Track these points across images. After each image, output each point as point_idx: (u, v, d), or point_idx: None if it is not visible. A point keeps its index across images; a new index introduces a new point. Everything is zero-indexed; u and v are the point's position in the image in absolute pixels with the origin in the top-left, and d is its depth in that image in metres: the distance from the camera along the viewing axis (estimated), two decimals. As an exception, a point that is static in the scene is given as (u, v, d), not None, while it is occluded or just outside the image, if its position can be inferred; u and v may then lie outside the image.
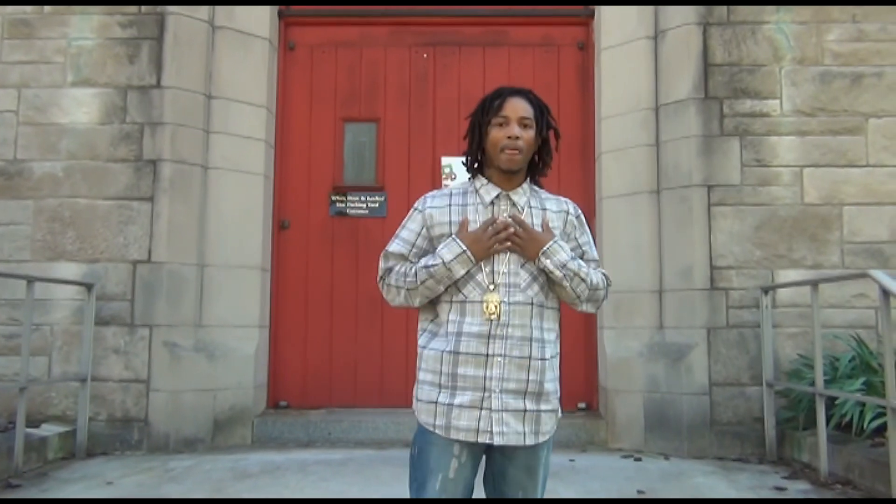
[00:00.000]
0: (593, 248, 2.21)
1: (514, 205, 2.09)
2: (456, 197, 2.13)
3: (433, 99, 5.65)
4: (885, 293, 3.44)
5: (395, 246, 2.14)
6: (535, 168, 2.16)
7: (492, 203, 2.09)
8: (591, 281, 2.09)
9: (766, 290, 4.70)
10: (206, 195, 5.12)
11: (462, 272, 2.01)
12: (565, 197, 2.23)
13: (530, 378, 1.99)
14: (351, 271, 5.49)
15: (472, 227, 2.06)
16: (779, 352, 4.73)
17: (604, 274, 2.17)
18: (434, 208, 2.12)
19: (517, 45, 5.69)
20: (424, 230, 2.11)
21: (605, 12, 5.37)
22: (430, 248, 2.10)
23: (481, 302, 2.01)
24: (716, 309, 4.80)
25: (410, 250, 2.12)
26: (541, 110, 2.12)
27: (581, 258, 2.14)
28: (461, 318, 2.03)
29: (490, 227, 2.01)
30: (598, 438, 4.98)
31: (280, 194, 5.56)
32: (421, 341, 2.12)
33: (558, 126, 2.19)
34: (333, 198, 5.59)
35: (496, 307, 1.99)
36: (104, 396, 4.74)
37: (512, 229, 2.01)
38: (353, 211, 5.57)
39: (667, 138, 5.05)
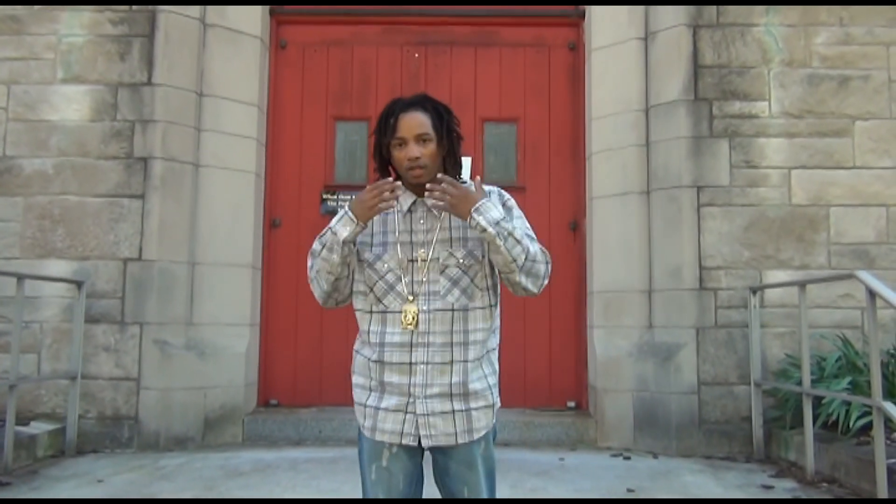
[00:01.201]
0: (525, 226, 2.11)
1: (429, 210, 2.07)
2: None
3: None
4: (872, 294, 3.48)
5: (316, 244, 2.11)
6: (449, 171, 2.10)
7: (409, 211, 2.08)
8: (528, 247, 2.00)
9: (754, 291, 4.75)
10: (198, 193, 5.11)
11: (345, 233, 1.97)
12: (492, 186, 2.16)
13: (453, 381, 2.01)
14: (342, 270, 5.49)
15: (392, 237, 2.06)
16: (766, 351, 4.78)
17: (542, 249, 2.07)
18: None
19: (508, 46, 5.71)
20: None
21: (595, 13, 5.40)
22: (350, 261, 2.08)
23: (400, 312, 2.02)
24: (704, 309, 4.84)
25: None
26: (440, 117, 2.05)
27: None
28: (383, 329, 2.05)
29: (372, 187, 1.97)
30: (588, 437, 5.01)
31: (271, 193, 5.56)
32: (356, 345, 2.16)
33: (460, 127, 2.12)
34: (325, 196, 5.59)
35: (413, 317, 2.01)
36: (94, 394, 4.73)
37: (390, 187, 1.96)
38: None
39: (657, 139, 5.09)
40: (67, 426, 4.59)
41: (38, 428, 4.50)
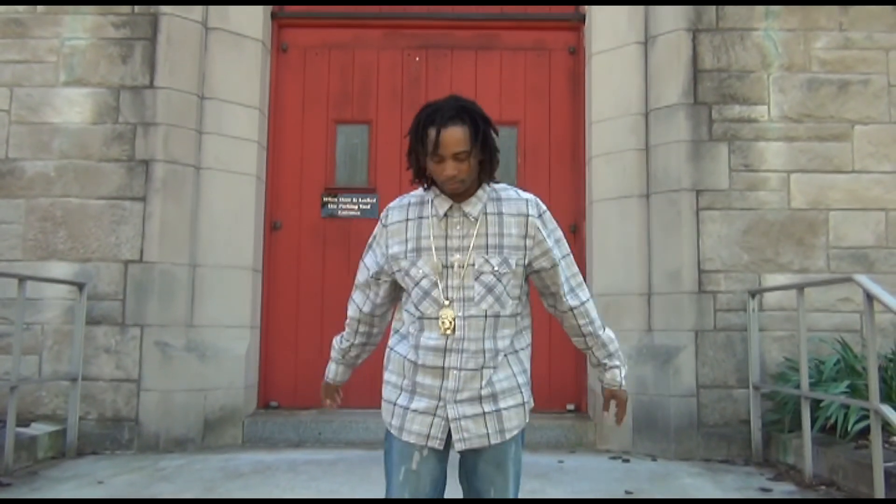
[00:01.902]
0: (563, 243, 2.13)
1: (465, 216, 2.05)
2: (413, 209, 2.11)
3: (425, 101, 5.60)
4: (870, 297, 3.49)
5: (360, 274, 2.24)
6: (484, 175, 2.08)
7: (445, 216, 2.07)
8: (610, 333, 2.24)
9: (753, 294, 4.76)
10: (199, 196, 5.13)
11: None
12: (528, 194, 2.14)
13: (483, 384, 2.03)
14: (342, 272, 5.50)
15: (426, 242, 2.05)
16: (765, 355, 4.79)
17: (581, 289, 2.17)
18: (393, 224, 2.12)
19: (509, 49, 5.74)
20: (386, 248, 2.12)
21: (596, 18, 5.42)
22: (385, 265, 2.12)
23: (437, 318, 2.03)
24: (703, 312, 4.85)
25: (376, 275, 2.17)
26: (476, 126, 1.99)
27: (555, 262, 2.09)
28: (419, 332, 2.06)
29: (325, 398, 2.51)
30: (587, 440, 5.02)
31: (272, 195, 5.58)
32: (390, 342, 2.18)
33: (496, 138, 2.07)
34: (325, 199, 5.61)
35: (451, 322, 2.01)
36: (95, 396, 4.74)
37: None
38: (344, 212, 5.59)
39: (656, 143, 5.10)
40: (68, 427, 4.60)
41: (38, 429, 4.51)
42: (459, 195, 2.06)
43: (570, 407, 5.42)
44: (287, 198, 5.62)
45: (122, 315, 4.83)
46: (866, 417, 3.88)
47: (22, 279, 4.25)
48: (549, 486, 3.89)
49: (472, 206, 2.06)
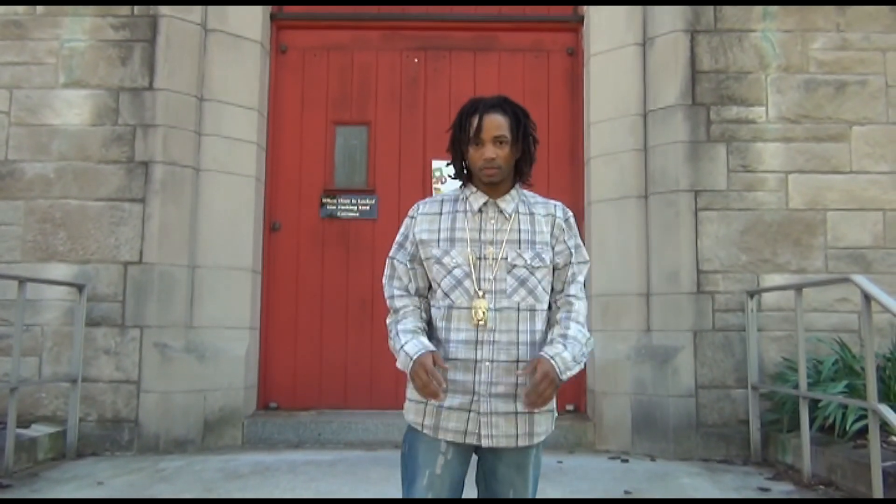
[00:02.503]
0: (581, 250, 2.20)
1: (500, 212, 2.12)
2: (447, 204, 2.18)
3: (424, 103, 5.70)
4: (867, 298, 3.50)
5: (398, 267, 2.17)
6: (520, 174, 2.18)
7: (479, 211, 2.13)
8: (586, 333, 2.09)
9: (751, 294, 4.77)
10: (198, 197, 5.14)
11: (399, 366, 2.05)
12: (555, 200, 2.25)
13: (520, 381, 2.02)
14: (341, 273, 5.52)
15: (460, 234, 2.09)
16: (763, 355, 4.80)
17: (582, 303, 2.14)
18: (424, 215, 2.17)
19: (507, 51, 5.75)
20: (413, 236, 2.16)
21: (594, 19, 5.44)
22: (417, 252, 2.14)
23: (469, 308, 2.04)
24: (702, 312, 4.86)
25: (410, 268, 2.16)
26: (517, 119, 2.11)
27: (569, 261, 2.15)
28: (448, 325, 2.06)
29: (427, 380, 1.95)
30: (586, 440, 5.03)
31: (271, 196, 5.59)
32: None
33: (536, 131, 2.19)
34: (324, 200, 5.62)
35: (484, 313, 2.03)
36: (94, 397, 4.75)
37: (429, 380, 1.95)
38: (343, 213, 5.60)
39: (655, 144, 5.12)
40: (68, 429, 4.61)
41: (38, 430, 4.52)
42: (494, 190, 2.13)
43: (570, 407, 5.43)
44: (286, 199, 5.63)
45: (122, 316, 4.84)
46: (864, 417, 3.89)
47: (22, 281, 4.26)
48: (549, 486, 3.90)
49: (507, 203, 2.14)
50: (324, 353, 5.49)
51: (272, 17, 5.66)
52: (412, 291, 2.16)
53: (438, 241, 2.11)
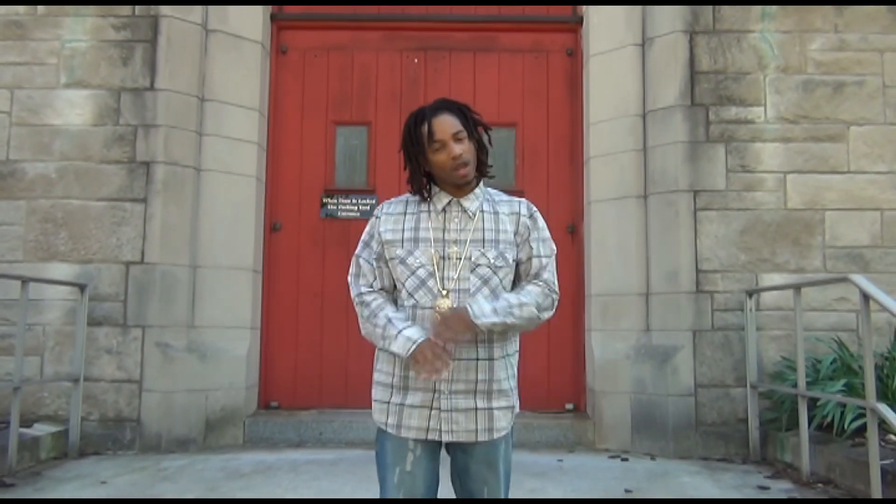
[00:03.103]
0: (546, 244, 2.19)
1: (464, 210, 2.13)
2: (412, 204, 2.18)
3: (424, 103, 5.58)
4: (865, 297, 3.53)
5: (363, 265, 2.17)
6: (480, 167, 2.17)
7: (443, 210, 2.14)
8: (531, 308, 2.07)
9: (750, 294, 4.79)
10: (199, 197, 5.15)
11: (395, 350, 2.02)
12: (521, 198, 2.25)
13: (479, 378, 2.06)
14: (342, 273, 5.46)
15: (424, 234, 2.10)
16: (762, 354, 4.83)
17: (547, 290, 2.14)
18: (389, 214, 2.18)
19: (507, 51, 5.77)
20: (378, 235, 2.16)
21: (593, 20, 5.46)
22: (382, 252, 2.14)
23: (432, 308, 2.06)
24: (701, 312, 4.89)
25: (375, 267, 2.16)
26: (464, 115, 2.12)
27: (530, 255, 2.16)
28: (412, 323, 2.07)
29: (432, 357, 1.97)
30: (586, 439, 5.06)
31: (272, 196, 5.61)
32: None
33: (483, 119, 2.19)
34: (325, 200, 5.64)
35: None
36: (96, 396, 4.76)
37: (437, 363, 1.97)
38: (344, 213, 5.62)
39: (654, 144, 5.14)
40: (70, 428, 4.62)
41: (41, 430, 4.53)
42: (459, 188, 2.13)
43: (569, 406, 5.45)
44: (287, 199, 5.64)
45: (124, 316, 4.85)
46: (863, 416, 3.93)
47: (24, 281, 4.28)
48: (549, 484, 3.93)
49: (471, 202, 2.15)
50: (324, 352, 5.50)
51: (272, 17, 5.68)
52: (377, 289, 2.16)
53: (402, 241, 2.13)
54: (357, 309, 2.16)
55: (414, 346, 2.00)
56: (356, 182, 5.68)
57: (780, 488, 3.94)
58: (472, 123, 2.13)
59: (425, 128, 2.09)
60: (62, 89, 5.05)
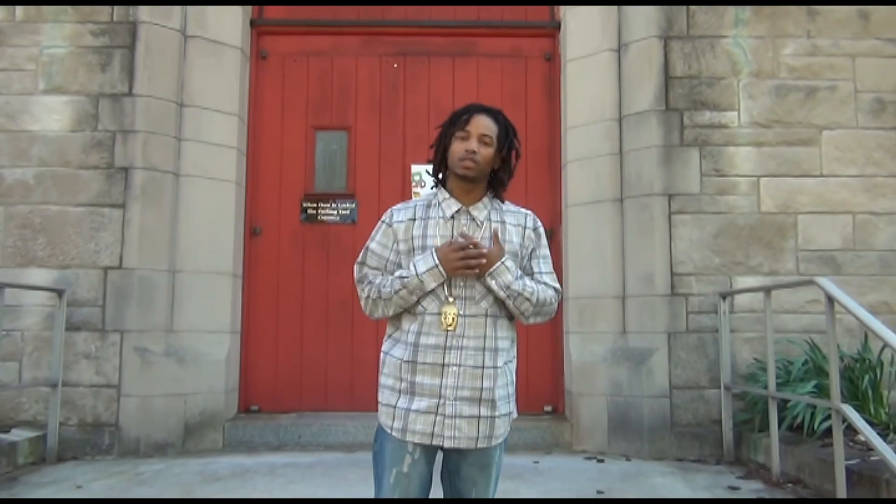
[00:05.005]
0: (548, 261, 2.29)
1: (472, 219, 2.19)
2: (420, 210, 2.24)
3: (403, 108, 5.76)
4: (830, 299, 3.58)
5: (371, 258, 2.23)
6: (496, 184, 2.26)
7: (452, 217, 2.19)
8: (538, 299, 2.17)
9: (724, 296, 4.85)
10: (178, 202, 5.17)
11: (433, 285, 2.10)
12: (527, 209, 2.33)
13: (484, 386, 2.10)
14: (322, 277, 5.57)
15: (432, 241, 2.16)
16: (736, 356, 4.89)
17: (555, 289, 2.25)
18: (399, 223, 2.23)
19: (486, 56, 5.81)
20: (394, 244, 2.22)
21: (570, 25, 5.51)
22: (398, 261, 2.20)
23: (439, 314, 2.11)
24: (676, 314, 4.94)
25: (385, 263, 2.22)
26: (506, 131, 2.22)
27: (533, 271, 2.25)
28: (419, 329, 2.13)
29: (459, 249, 2.08)
30: (563, 441, 5.10)
31: (252, 201, 5.63)
32: (385, 346, 2.23)
33: (520, 148, 2.30)
34: (305, 204, 5.67)
35: (453, 319, 2.10)
36: (75, 401, 4.78)
37: (476, 251, 2.08)
38: (324, 217, 5.65)
39: (629, 148, 5.19)
40: (48, 433, 4.63)
41: (18, 435, 4.54)
42: (467, 197, 2.20)
43: (548, 408, 5.50)
44: (266, 203, 5.67)
45: (102, 321, 4.86)
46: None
47: (1, 286, 4.28)
48: (523, 486, 3.97)
49: (479, 211, 2.22)
50: (304, 356, 5.53)
51: (252, 23, 5.70)
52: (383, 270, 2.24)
53: (412, 248, 2.18)
54: (360, 290, 2.23)
55: (437, 259, 2.09)
56: (336, 186, 5.71)
57: (751, 488, 4.00)
58: (507, 141, 2.23)
59: (466, 116, 2.19)
60: (40, 95, 5.06)
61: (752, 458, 4.56)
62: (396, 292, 2.12)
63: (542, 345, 5.54)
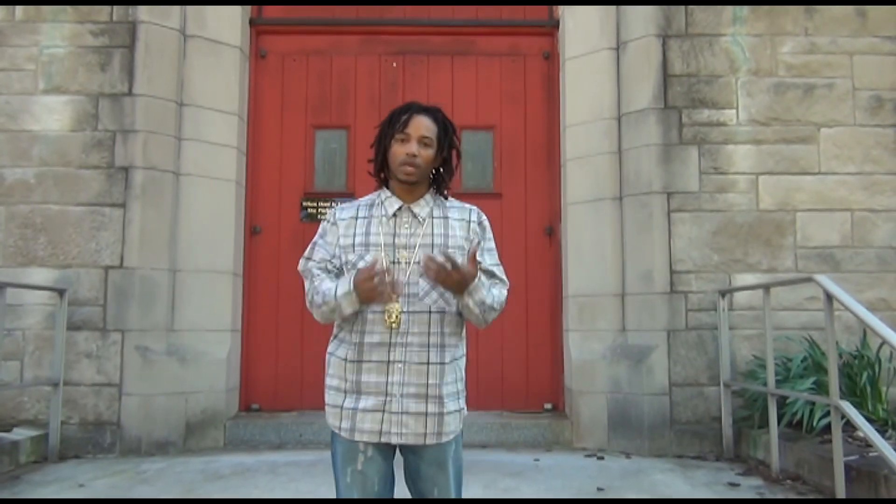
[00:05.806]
0: (493, 254, 2.28)
1: (414, 216, 2.19)
2: (362, 209, 2.23)
3: None
4: (829, 297, 3.60)
5: (316, 252, 2.23)
6: (439, 183, 2.26)
7: (394, 215, 2.19)
8: (500, 304, 2.18)
9: (723, 294, 4.87)
10: (178, 201, 5.19)
11: (349, 310, 2.08)
12: (472, 206, 2.32)
13: (430, 382, 2.11)
14: (322, 276, 5.57)
15: (375, 238, 2.15)
16: (735, 353, 4.91)
17: (503, 282, 2.25)
18: (342, 220, 2.22)
19: (484, 55, 5.83)
20: (336, 240, 2.21)
21: (569, 24, 5.52)
22: (341, 255, 2.19)
23: (382, 312, 2.10)
24: (675, 312, 4.96)
25: (329, 258, 2.21)
26: (445, 130, 2.22)
27: (480, 265, 2.20)
28: (363, 328, 2.12)
29: (371, 277, 2.01)
30: (563, 438, 5.12)
31: (252, 200, 5.64)
32: (330, 347, 2.23)
33: (459, 146, 2.31)
34: (305, 203, 5.68)
35: (397, 316, 2.09)
36: (76, 400, 4.79)
37: (378, 280, 2.01)
38: (323, 216, 5.65)
39: (628, 146, 5.21)
40: (50, 432, 4.65)
41: (20, 434, 4.55)
42: (409, 194, 2.20)
43: (548, 406, 5.51)
44: (266, 203, 5.68)
45: (103, 320, 4.88)
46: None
47: (2, 286, 4.30)
48: (524, 484, 3.98)
49: (421, 208, 2.22)
50: (305, 354, 5.54)
51: (251, 22, 5.71)
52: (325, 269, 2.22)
53: (354, 245, 2.17)
54: (305, 284, 2.23)
55: (353, 286, 2.04)
56: (335, 185, 5.73)
57: (750, 485, 4.01)
58: (447, 140, 2.22)
59: (404, 117, 2.16)
60: (40, 95, 5.07)
61: (751, 455, 4.58)
62: (319, 307, 2.13)
63: (541, 343, 5.55)
